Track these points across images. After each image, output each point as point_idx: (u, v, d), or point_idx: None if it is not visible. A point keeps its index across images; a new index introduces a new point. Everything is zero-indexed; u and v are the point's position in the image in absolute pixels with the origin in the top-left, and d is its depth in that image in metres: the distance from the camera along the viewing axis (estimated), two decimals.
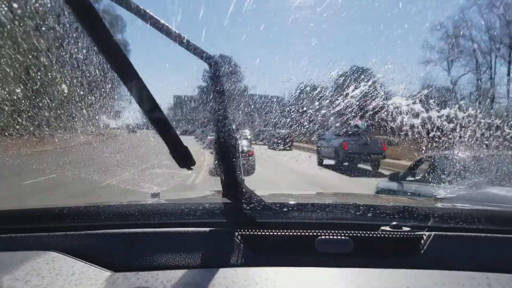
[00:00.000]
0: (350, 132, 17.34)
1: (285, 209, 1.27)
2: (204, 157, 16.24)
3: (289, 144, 22.72)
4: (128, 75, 0.94)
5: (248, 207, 1.24)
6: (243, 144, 14.57)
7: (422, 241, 1.16)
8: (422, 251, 1.14)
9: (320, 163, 17.35)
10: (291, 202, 1.33)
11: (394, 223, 1.21)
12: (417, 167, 5.23)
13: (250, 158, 13.09)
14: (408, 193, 4.43)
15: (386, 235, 1.16)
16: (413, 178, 5.05)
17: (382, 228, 1.20)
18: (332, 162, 16.40)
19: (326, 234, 1.15)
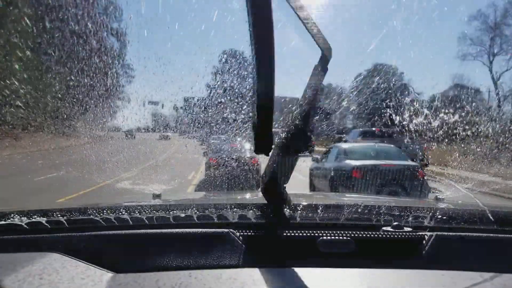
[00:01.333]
0: (381, 133, 15.84)
1: (287, 210, 1.25)
2: (197, 171, 13.62)
3: (310, 148, 21.18)
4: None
5: (249, 208, 1.28)
6: (244, 148, 12.20)
7: (424, 242, 1.17)
8: (424, 252, 1.15)
9: None
10: (293, 203, 1.31)
11: (395, 223, 1.21)
12: (327, 153, 9.59)
13: (254, 167, 10.64)
14: (325, 168, 8.65)
15: (388, 236, 1.17)
16: (324, 159, 9.34)
17: (384, 228, 1.20)
18: None
19: (328, 234, 1.16)
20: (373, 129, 16.56)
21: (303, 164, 17.01)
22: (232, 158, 10.55)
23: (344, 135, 18.80)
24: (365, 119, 69.75)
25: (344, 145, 10.09)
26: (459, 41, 45.14)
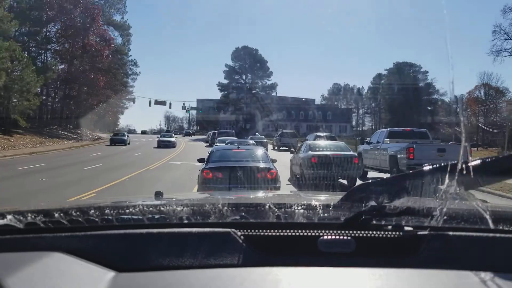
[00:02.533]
0: (411, 133, 14.57)
1: (287, 209, 1.29)
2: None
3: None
4: None
5: (251, 207, 1.31)
6: (257, 155, 8.54)
7: (424, 241, 1.16)
8: (424, 251, 1.15)
9: (363, 176, 13.18)
10: (294, 202, 1.35)
11: (395, 222, 1.20)
12: (300, 147, 13.84)
13: (270, 183, 7.36)
14: (298, 157, 12.67)
15: (388, 235, 1.17)
16: (298, 152, 13.58)
17: (384, 228, 1.20)
18: (381, 174, 12.25)
19: (328, 234, 1.17)
20: (401, 129, 15.67)
21: (286, 157, 16.66)
22: (239, 170, 7.40)
23: (367, 138, 17.75)
24: (388, 120, 68.09)
25: (309, 142, 15.25)
26: (494, 35, 41.12)
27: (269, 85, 72.45)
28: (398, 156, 11.98)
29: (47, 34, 40.55)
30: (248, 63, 71.35)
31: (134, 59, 57.21)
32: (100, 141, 40.68)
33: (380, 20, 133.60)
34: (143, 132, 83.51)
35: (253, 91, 70.73)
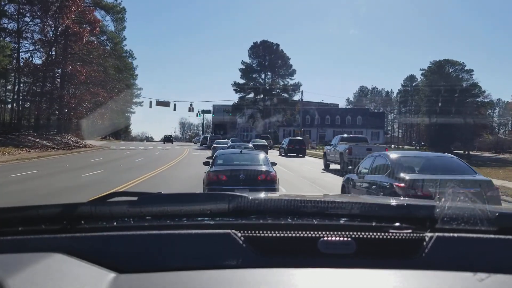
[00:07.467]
0: (356, 138, 22.33)
1: (288, 210, 1.30)
2: None
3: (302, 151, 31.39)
4: None
5: (251, 209, 1.30)
6: (258, 159, 9.24)
7: (425, 242, 1.18)
8: (425, 252, 1.16)
9: (326, 167, 20.75)
10: (294, 204, 1.37)
11: (396, 224, 1.23)
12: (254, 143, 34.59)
13: (270, 185, 8.20)
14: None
15: (389, 236, 1.19)
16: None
17: (384, 229, 1.21)
18: (337, 166, 19.04)
19: (329, 235, 1.18)
20: (350, 135, 23.51)
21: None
22: (242, 172, 8.22)
23: (328, 141, 24.14)
24: (426, 125, 59.70)
25: (251, 140, 40.23)
26: None
27: (292, 84, 63.65)
28: (343, 153, 18.34)
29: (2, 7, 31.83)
30: (268, 60, 62.83)
31: (130, 50, 48.83)
32: (81, 150, 32.30)
33: (406, 21, 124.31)
34: (167, 139, 61.93)
35: (273, 92, 62.36)
